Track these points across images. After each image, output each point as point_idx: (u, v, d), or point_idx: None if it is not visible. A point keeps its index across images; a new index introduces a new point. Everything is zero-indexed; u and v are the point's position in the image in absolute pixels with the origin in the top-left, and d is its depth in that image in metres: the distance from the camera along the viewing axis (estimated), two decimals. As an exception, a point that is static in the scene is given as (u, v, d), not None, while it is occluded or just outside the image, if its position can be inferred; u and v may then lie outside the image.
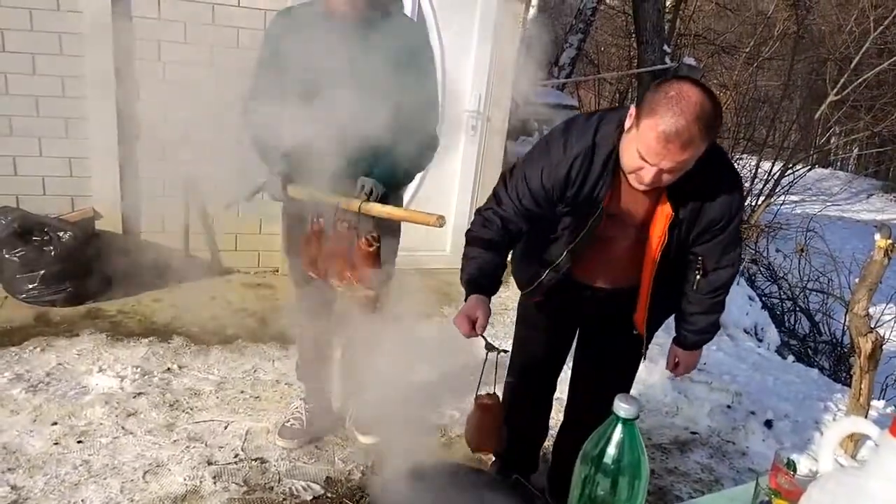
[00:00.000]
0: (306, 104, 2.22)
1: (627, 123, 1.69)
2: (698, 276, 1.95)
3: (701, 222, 1.84)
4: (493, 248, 1.90)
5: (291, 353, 3.33)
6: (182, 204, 4.06)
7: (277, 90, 2.26)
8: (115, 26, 3.65)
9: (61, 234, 3.64)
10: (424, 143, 2.24)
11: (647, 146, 1.60)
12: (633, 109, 1.69)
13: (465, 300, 1.85)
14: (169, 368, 3.15)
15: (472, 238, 1.94)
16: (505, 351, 1.91)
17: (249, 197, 2.23)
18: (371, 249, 1.98)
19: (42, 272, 3.58)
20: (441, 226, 1.88)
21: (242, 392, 3.04)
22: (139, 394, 2.92)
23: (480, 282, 1.84)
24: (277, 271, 4.32)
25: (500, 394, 1.97)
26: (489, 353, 1.83)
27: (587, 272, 2.02)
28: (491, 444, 1.94)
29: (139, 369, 3.09)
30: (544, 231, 1.97)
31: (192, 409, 2.86)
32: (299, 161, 2.14)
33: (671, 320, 2.19)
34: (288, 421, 2.71)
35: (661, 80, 1.70)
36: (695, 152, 1.60)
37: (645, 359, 2.23)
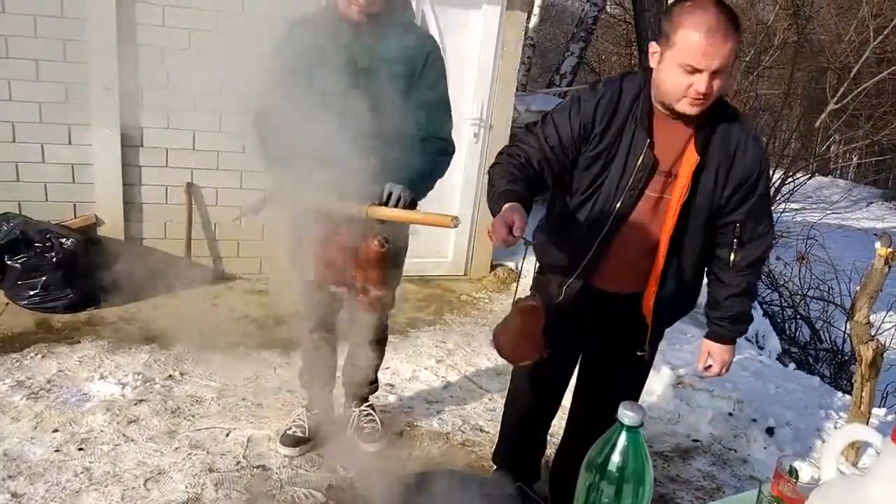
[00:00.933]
0: (319, 112, 2.23)
1: (653, 62, 1.74)
2: (734, 251, 1.90)
3: (734, 177, 1.82)
4: (520, 171, 1.83)
5: (293, 361, 3.33)
6: (184, 211, 4.07)
7: (289, 99, 2.27)
8: (119, 33, 3.67)
9: (63, 240, 3.65)
10: (442, 149, 2.26)
11: (693, 51, 1.64)
12: (653, 46, 1.74)
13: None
14: (170, 375, 3.15)
15: (496, 170, 1.88)
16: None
17: (259, 209, 2.23)
18: (383, 250, 1.98)
19: (43, 279, 3.58)
20: (456, 226, 1.81)
21: (244, 399, 3.04)
22: (140, 401, 2.92)
23: (512, 193, 1.73)
24: (280, 277, 4.32)
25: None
26: (527, 252, 1.74)
27: (603, 271, 1.97)
28: (531, 352, 1.78)
29: (140, 376, 3.09)
30: (585, 202, 1.91)
31: (193, 417, 2.86)
32: (311, 170, 2.14)
33: (669, 333, 2.17)
34: (290, 428, 2.71)
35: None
36: (734, 45, 1.65)
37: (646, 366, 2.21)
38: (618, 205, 1.85)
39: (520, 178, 1.81)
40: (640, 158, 1.80)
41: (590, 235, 1.91)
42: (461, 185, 4.68)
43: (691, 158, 1.79)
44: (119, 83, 3.74)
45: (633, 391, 2.23)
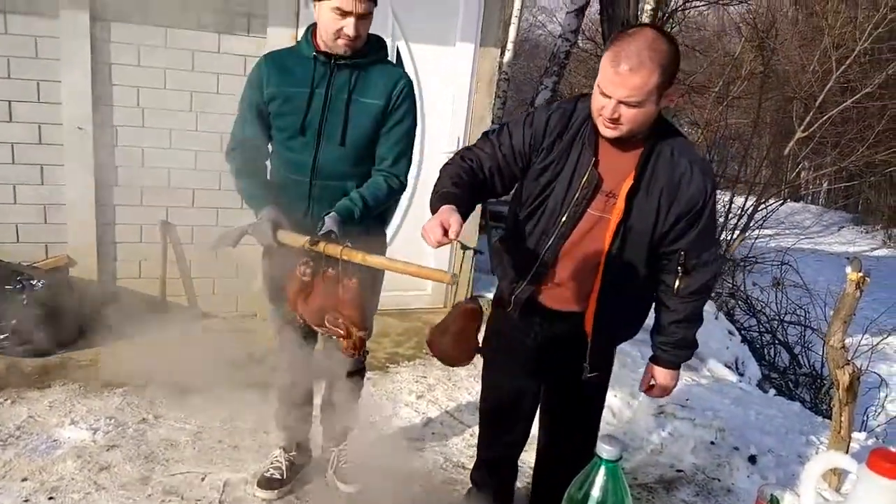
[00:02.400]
0: (289, 146, 2.25)
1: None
2: (679, 278, 1.93)
3: (678, 206, 1.84)
4: (468, 175, 1.90)
5: (270, 401, 3.27)
6: (159, 250, 4.02)
7: (263, 132, 2.28)
8: (93, 73, 3.66)
9: (34, 282, 3.58)
10: (394, 187, 2.28)
11: (604, 77, 1.72)
12: None
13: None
14: (144, 419, 3.08)
15: (445, 170, 1.95)
16: (479, 251, 1.89)
17: (235, 242, 2.21)
18: (358, 287, 1.95)
19: (14, 322, 3.51)
20: (454, 283, 1.79)
21: (220, 441, 2.97)
22: (113, 446, 2.84)
23: (452, 196, 1.78)
24: (256, 315, 4.28)
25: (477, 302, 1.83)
26: (465, 256, 1.77)
27: (549, 284, 1.99)
28: (468, 355, 1.82)
29: (113, 420, 3.02)
30: (533, 214, 1.96)
31: (167, 461, 2.79)
32: (280, 203, 2.14)
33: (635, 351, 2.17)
34: (267, 471, 2.65)
35: None
36: (646, 79, 1.67)
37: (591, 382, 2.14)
38: (563, 219, 1.90)
39: (465, 182, 1.87)
40: (585, 176, 1.85)
41: (536, 247, 1.95)
42: (438, 219, 4.69)
43: (629, 181, 1.84)
44: (93, 123, 3.72)
45: (587, 417, 2.23)
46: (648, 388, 2.15)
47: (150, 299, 4.09)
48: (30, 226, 3.80)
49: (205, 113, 3.91)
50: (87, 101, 3.69)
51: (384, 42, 2.30)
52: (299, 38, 2.29)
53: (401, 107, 2.24)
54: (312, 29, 2.22)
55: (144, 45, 3.74)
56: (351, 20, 2.07)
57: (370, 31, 2.20)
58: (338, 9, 2.06)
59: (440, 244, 1.60)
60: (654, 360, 2.11)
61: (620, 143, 1.83)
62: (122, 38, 3.69)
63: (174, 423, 3.08)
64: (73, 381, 3.33)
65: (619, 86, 1.69)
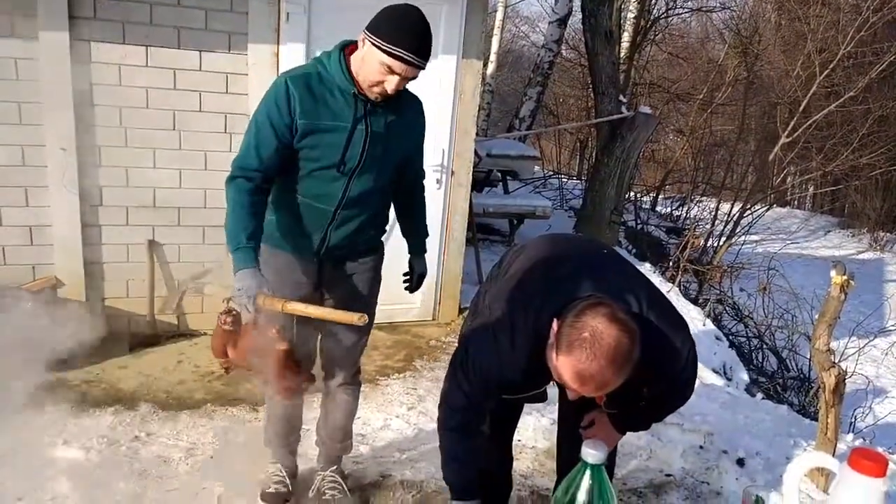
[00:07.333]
0: (318, 176, 2.20)
1: (550, 339, 1.69)
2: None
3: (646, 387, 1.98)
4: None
5: (261, 415, 3.28)
6: (146, 269, 4.02)
7: (278, 162, 2.14)
8: (75, 94, 3.66)
9: (22, 304, 3.58)
10: (423, 184, 2.60)
11: (566, 381, 1.62)
12: (555, 325, 1.67)
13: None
14: (136, 437, 3.08)
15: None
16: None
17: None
18: (285, 349, 2.15)
19: (2, 344, 3.49)
20: (363, 324, 2.07)
21: (213, 457, 2.97)
22: (106, 465, 2.84)
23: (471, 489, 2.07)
24: (246, 332, 4.27)
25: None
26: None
27: None
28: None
29: (105, 439, 3.01)
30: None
31: (161, 478, 2.79)
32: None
33: None
34: (269, 486, 2.62)
35: (577, 311, 1.62)
36: (612, 387, 1.62)
37: None
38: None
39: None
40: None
41: None
42: (426, 231, 4.71)
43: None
44: (76, 143, 3.73)
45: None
46: (588, 428, 2.15)
47: (138, 318, 4.09)
48: (16, 248, 3.80)
49: (188, 131, 3.93)
50: (70, 122, 3.69)
51: None
52: (322, 59, 2.16)
53: (419, 123, 2.41)
54: (346, 55, 2.12)
55: (125, 65, 3.75)
56: (396, 79, 2.04)
57: None
58: (388, 67, 2.01)
59: None
60: (609, 414, 2.13)
61: None
62: (102, 59, 3.70)
63: (166, 440, 3.07)
64: (65, 402, 3.32)
65: (583, 393, 1.63)
